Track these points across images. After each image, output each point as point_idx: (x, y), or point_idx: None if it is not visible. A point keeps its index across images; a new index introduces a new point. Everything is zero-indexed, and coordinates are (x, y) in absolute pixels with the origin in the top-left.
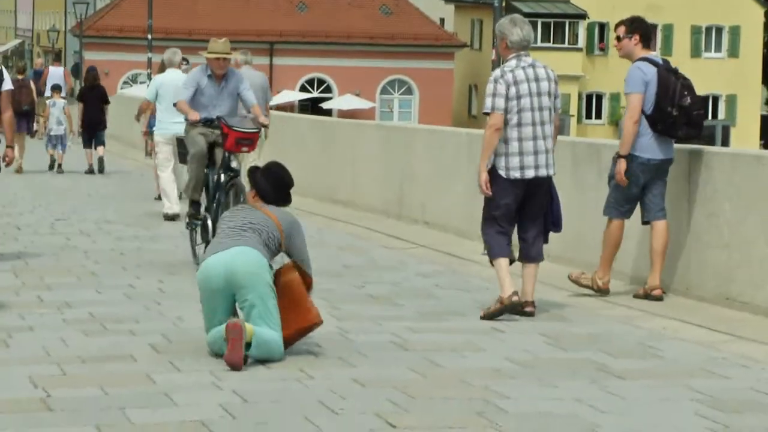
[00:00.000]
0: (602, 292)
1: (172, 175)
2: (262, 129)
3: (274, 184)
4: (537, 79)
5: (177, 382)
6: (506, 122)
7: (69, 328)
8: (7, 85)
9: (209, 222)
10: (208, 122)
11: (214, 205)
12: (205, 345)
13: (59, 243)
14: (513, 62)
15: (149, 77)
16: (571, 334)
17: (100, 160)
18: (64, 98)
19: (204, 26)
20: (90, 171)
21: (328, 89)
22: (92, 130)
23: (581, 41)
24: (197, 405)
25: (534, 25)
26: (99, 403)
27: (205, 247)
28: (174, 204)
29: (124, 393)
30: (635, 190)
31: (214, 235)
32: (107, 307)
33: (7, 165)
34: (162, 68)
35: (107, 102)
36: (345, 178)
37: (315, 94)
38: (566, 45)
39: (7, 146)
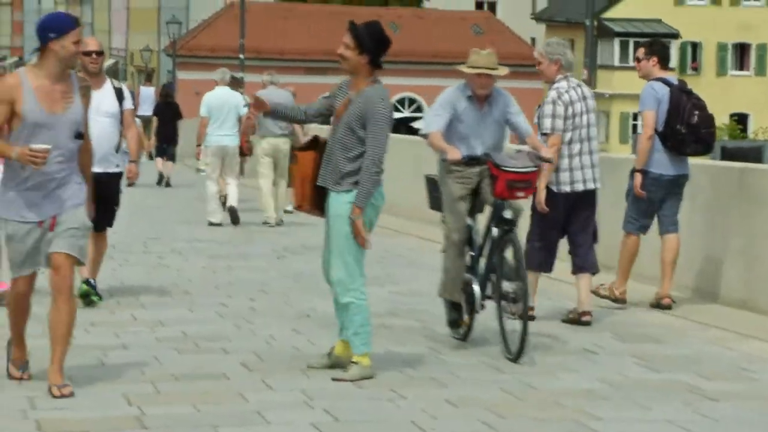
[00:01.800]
0: (620, 301)
1: (217, 185)
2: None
3: (378, 38)
4: (584, 98)
5: (269, 400)
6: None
7: (162, 346)
8: (129, 104)
9: (475, 286)
10: (471, 161)
11: (482, 269)
12: (296, 363)
13: (152, 262)
14: (564, 84)
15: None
16: (663, 355)
17: (165, 175)
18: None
19: (295, 46)
20: (159, 181)
21: (419, 109)
22: (165, 143)
23: (673, 61)
24: (289, 424)
25: (625, 45)
26: (192, 420)
27: (471, 321)
28: (217, 211)
29: (217, 411)
30: (650, 204)
31: (480, 308)
32: (200, 326)
33: (130, 181)
34: (235, 87)
35: (180, 117)
36: None
37: (406, 113)
38: None
39: (131, 161)
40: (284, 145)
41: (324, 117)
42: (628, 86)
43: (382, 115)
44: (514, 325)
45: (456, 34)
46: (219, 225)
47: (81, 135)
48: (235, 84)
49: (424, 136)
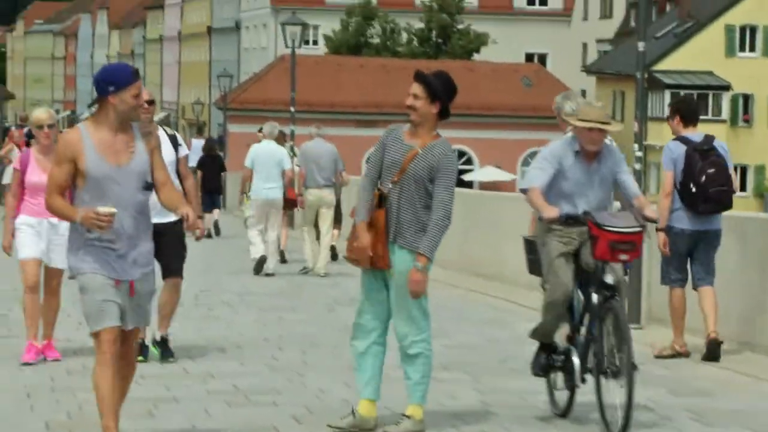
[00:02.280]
0: (684, 355)
1: (260, 235)
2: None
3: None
4: None
5: None
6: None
7: (213, 399)
8: (184, 150)
9: (575, 358)
10: (570, 220)
11: (582, 337)
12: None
13: (202, 314)
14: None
15: (292, 150)
16: (716, 409)
17: (216, 223)
18: None
19: (346, 99)
20: (207, 235)
21: (469, 161)
22: (210, 195)
23: (725, 113)
24: None
25: (676, 97)
26: None
27: (571, 396)
28: (259, 247)
29: None
30: (679, 258)
31: (581, 379)
32: (250, 379)
33: (198, 238)
34: (280, 140)
35: (224, 170)
36: (488, 250)
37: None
38: (710, 117)
39: (198, 216)
40: (329, 195)
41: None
42: None
43: (453, 169)
44: (613, 399)
45: (506, 87)
46: (261, 259)
47: (150, 186)
48: (281, 138)
49: (524, 191)
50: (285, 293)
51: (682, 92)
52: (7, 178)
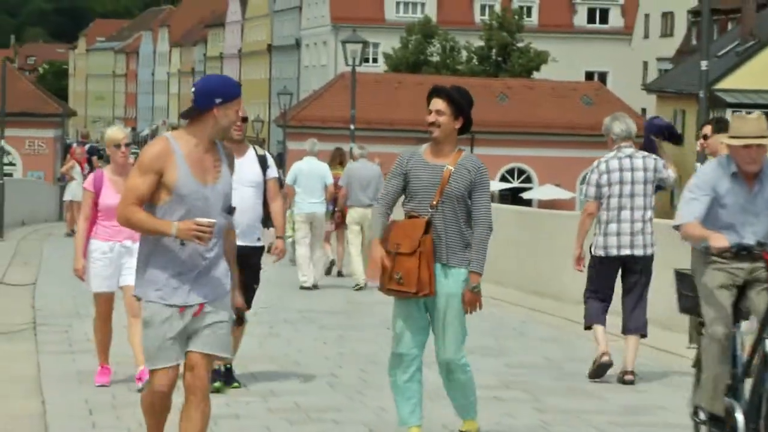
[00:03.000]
0: None
1: (309, 251)
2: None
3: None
4: (632, 169)
5: None
6: (601, 206)
7: (274, 416)
8: (273, 172)
9: (738, 415)
10: (743, 252)
11: (748, 393)
12: None
13: (263, 332)
14: (612, 153)
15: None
16: None
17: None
18: None
19: (405, 116)
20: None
21: (528, 179)
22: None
23: None
24: None
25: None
26: None
27: None
28: (309, 276)
29: None
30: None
31: None
32: (311, 397)
33: (278, 258)
34: (344, 158)
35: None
36: (548, 269)
37: (515, 183)
38: None
39: (278, 237)
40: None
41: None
42: None
43: (488, 181)
44: None
45: (566, 105)
46: (310, 289)
47: (233, 210)
48: (344, 156)
49: (677, 228)
50: (345, 311)
51: (744, 111)
52: (68, 195)
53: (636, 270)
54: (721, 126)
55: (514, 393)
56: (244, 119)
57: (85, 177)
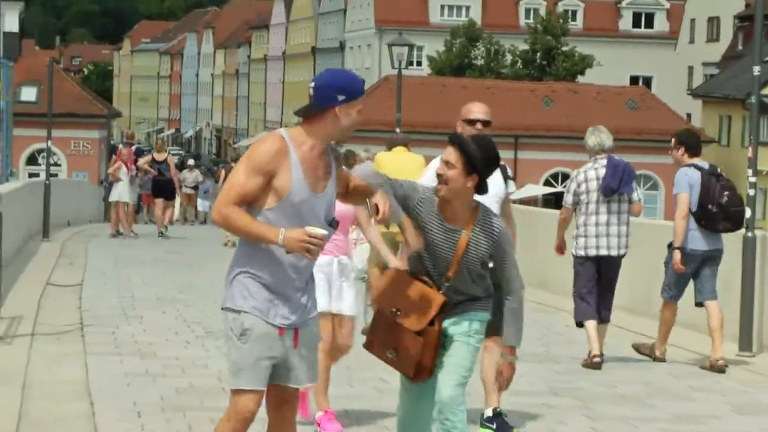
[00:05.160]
0: (659, 360)
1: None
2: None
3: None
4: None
5: None
6: (579, 211)
7: None
8: (512, 186)
9: None
10: None
11: None
12: None
13: None
14: (589, 164)
15: None
16: None
17: None
18: None
19: (450, 120)
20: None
21: None
22: None
23: None
24: None
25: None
26: None
27: None
28: None
29: None
30: (685, 276)
31: None
32: (360, 401)
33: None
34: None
35: None
36: None
37: (559, 188)
38: None
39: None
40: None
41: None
42: None
43: (509, 243)
44: None
45: (610, 109)
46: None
47: (336, 224)
48: (353, 158)
49: None
50: None
51: None
52: (114, 196)
53: (610, 268)
54: (680, 140)
55: (564, 400)
56: (487, 122)
57: (131, 178)
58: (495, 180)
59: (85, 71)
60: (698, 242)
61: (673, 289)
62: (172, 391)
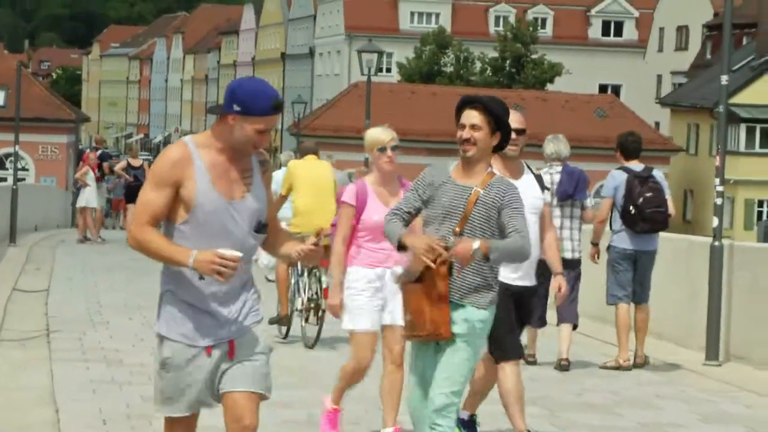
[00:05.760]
0: (625, 368)
1: None
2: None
3: None
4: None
5: None
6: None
7: (287, 428)
8: (548, 195)
9: None
10: None
11: None
12: None
13: (306, 352)
14: (544, 169)
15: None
16: None
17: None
18: None
19: (419, 127)
20: None
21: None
22: None
23: None
24: None
25: (752, 131)
26: None
27: None
28: None
29: None
30: (624, 275)
31: None
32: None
33: (559, 301)
34: None
35: None
36: None
37: None
38: None
39: (555, 273)
40: None
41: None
42: (755, 172)
43: (518, 202)
44: None
45: (579, 118)
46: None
47: (263, 227)
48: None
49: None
50: None
51: (758, 126)
52: (82, 201)
53: (568, 270)
54: (618, 144)
55: (531, 409)
56: (521, 131)
57: (98, 182)
58: (533, 192)
59: (54, 75)
60: (625, 242)
61: (616, 291)
62: (138, 398)
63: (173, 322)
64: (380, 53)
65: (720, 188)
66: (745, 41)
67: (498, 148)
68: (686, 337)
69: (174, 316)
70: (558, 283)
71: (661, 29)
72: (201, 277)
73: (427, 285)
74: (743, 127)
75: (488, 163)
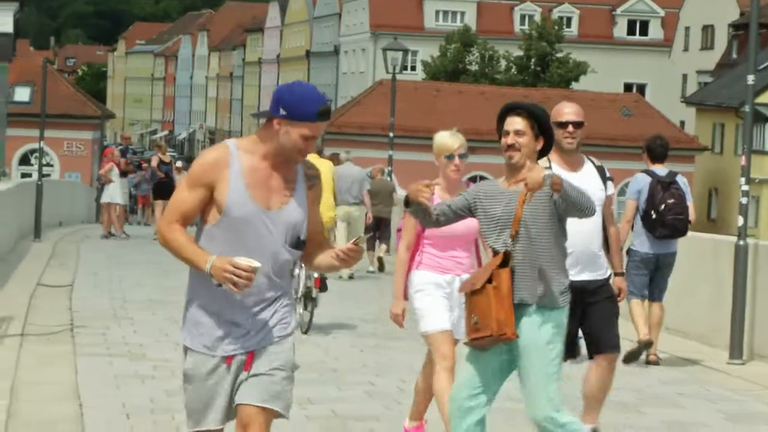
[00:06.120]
0: (645, 342)
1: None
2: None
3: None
4: None
5: None
6: None
7: (311, 424)
8: (612, 187)
9: None
10: None
11: None
12: None
13: (299, 338)
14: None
15: (390, 175)
16: None
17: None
18: None
19: (443, 125)
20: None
21: None
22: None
23: None
24: None
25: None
26: None
27: None
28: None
29: None
30: (641, 279)
31: None
32: (348, 404)
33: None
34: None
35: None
36: None
37: None
38: None
39: (616, 273)
40: (357, 212)
41: (449, 218)
42: None
43: (572, 189)
44: None
45: (604, 116)
46: (346, 279)
47: (301, 243)
48: (335, 159)
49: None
50: (382, 320)
51: None
52: (106, 197)
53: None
54: (646, 146)
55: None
56: (578, 124)
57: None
58: (594, 183)
59: (80, 72)
60: (645, 245)
61: (634, 289)
62: (162, 393)
63: (195, 331)
64: (405, 51)
65: (745, 187)
66: None
67: (542, 154)
68: (711, 335)
69: (196, 325)
70: (618, 285)
71: (687, 28)
72: (219, 284)
73: (493, 287)
74: None
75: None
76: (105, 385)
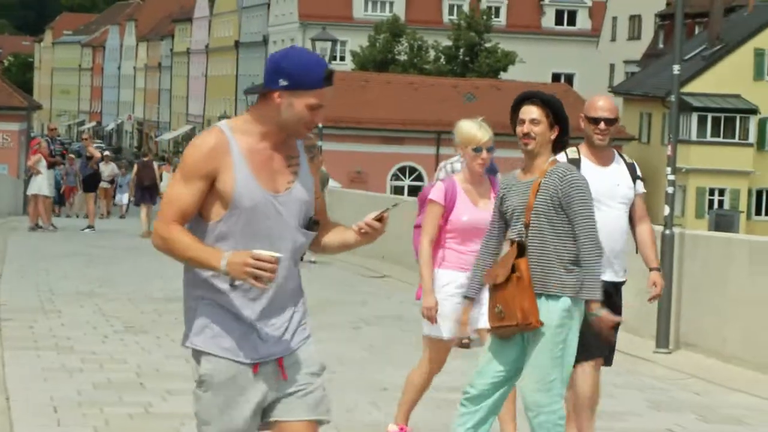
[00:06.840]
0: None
1: None
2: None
3: None
4: None
5: None
6: None
7: None
8: (641, 186)
9: None
10: None
11: None
12: None
13: None
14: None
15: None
16: None
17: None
18: None
19: (372, 115)
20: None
21: None
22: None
23: (752, 137)
24: None
25: (703, 120)
26: None
27: None
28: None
29: None
30: None
31: None
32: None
33: (654, 298)
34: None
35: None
36: None
37: None
38: (736, 140)
39: (652, 268)
40: None
41: (501, 228)
42: (706, 161)
43: (582, 192)
44: None
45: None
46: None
47: (314, 223)
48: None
49: None
50: (310, 310)
51: (710, 115)
52: (33, 189)
53: None
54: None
55: None
56: (611, 121)
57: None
58: (623, 181)
59: (5, 63)
60: None
61: None
62: (89, 386)
63: (211, 334)
64: (334, 41)
65: (671, 177)
66: (697, 30)
67: (557, 143)
68: (638, 325)
69: (212, 327)
70: (654, 280)
71: (614, 18)
72: (232, 284)
73: (516, 276)
74: (695, 116)
75: (548, 157)
76: (32, 379)
